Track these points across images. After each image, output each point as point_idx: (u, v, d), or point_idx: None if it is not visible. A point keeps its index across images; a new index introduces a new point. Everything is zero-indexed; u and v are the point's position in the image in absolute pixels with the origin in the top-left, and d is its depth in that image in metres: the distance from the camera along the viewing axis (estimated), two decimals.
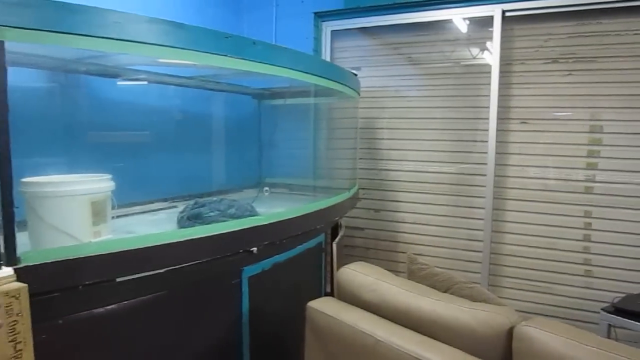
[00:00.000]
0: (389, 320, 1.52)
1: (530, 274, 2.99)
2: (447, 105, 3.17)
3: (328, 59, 3.43)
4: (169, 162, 2.65)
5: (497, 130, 2.92)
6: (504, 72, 2.93)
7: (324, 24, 3.45)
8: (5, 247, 1.21)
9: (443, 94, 3.19)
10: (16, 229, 1.23)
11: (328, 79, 2.34)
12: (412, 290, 1.54)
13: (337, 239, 2.66)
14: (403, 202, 3.36)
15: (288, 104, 2.99)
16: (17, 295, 1.15)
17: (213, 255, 1.69)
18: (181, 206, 2.28)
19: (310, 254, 2.37)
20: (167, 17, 1.51)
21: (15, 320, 1.15)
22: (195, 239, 1.60)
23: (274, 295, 2.10)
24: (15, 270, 1.20)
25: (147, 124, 2.51)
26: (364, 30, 3.38)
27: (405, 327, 1.47)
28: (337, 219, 2.67)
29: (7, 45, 1.18)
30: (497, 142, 2.93)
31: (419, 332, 1.42)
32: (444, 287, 1.69)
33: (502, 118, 2.95)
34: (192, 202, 2.16)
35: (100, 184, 1.57)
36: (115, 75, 2.30)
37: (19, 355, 1.16)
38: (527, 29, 2.90)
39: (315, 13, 3.37)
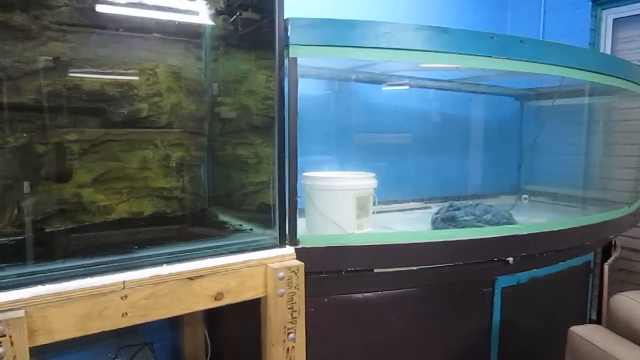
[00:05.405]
0: None
1: None
2: None
3: (609, 52, 2.98)
4: (425, 164, 2.73)
5: None
6: None
7: (604, 12, 3.01)
8: (289, 230, 1.44)
9: None
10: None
11: (608, 75, 2.04)
12: None
13: (609, 261, 2.31)
14: None
15: (557, 104, 2.71)
16: (296, 271, 1.36)
17: (466, 260, 1.67)
18: (435, 207, 2.32)
19: (574, 273, 2.12)
20: (429, 22, 1.55)
21: (293, 292, 1.37)
22: (449, 241, 1.62)
23: (529, 311, 1.96)
24: (296, 249, 1.43)
25: (407, 126, 2.64)
26: None
27: None
28: (611, 237, 2.32)
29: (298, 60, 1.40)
30: None
31: None
32: None
33: None
34: (446, 204, 2.17)
35: (365, 181, 1.73)
36: (380, 82, 2.48)
37: (294, 322, 1.38)
38: None
39: (593, 1, 2.97)
